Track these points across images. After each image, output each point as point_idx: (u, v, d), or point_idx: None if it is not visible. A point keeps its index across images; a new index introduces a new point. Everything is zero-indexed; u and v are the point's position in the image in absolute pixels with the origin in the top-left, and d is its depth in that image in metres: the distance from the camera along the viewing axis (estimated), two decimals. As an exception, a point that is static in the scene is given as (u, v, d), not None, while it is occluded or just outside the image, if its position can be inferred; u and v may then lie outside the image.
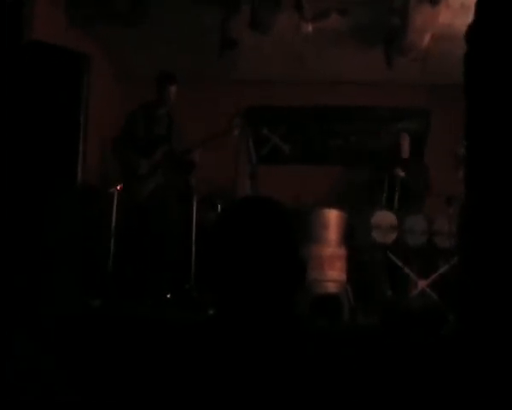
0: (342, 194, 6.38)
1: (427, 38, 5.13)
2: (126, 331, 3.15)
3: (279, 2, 4.97)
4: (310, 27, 5.12)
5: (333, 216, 4.88)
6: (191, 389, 1.16)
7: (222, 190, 5.50)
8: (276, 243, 1.23)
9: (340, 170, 6.83)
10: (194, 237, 4.80)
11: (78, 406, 1.40)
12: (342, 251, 4.84)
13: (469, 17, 2.25)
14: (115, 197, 4.51)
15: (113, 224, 4.48)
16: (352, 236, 5.03)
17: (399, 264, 5.19)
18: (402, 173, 5.46)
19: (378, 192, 5.59)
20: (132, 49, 6.05)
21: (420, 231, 5.09)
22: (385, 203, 5.48)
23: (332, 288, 4.63)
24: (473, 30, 2.22)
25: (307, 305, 4.19)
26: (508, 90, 2.03)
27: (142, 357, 1.28)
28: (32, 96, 3.44)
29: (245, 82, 6.52)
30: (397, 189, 5.46)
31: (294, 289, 1.25)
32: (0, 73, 3.19)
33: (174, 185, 4.96)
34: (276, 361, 1.17)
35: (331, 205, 5.12)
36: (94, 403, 1.38)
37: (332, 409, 1.15)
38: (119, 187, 4.54)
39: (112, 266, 4.39)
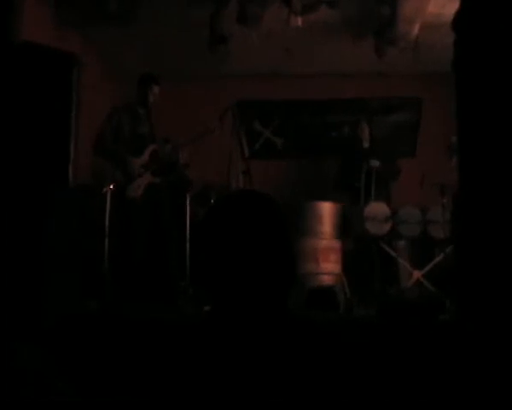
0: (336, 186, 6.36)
1: (416, 28, 5.13)
2: (124, 331, 3.14)
3: (267, -4, 4.95)
4: (299, 20, 5.10)
5: (327, 209, 4.89)
6: (189, 388, 1.16)
7: (216, 186, 5.48)
8: (267, 236, 1.23)
9: (333, 162, 6.83)
10: (188, 234, 4.79)
11: (77, 406, 1.39)
12: (337, 243, 4.84)
13: (457, 6, 2.26)
14: (108, 197, 4.48)
15: (107, 223, 4.46)
16: (346, 228, 5.03)
17: (394, 255, 5.19)
18: (377, 163, 5.44)
19: (348, 182, 5.60)
20: (122, 48, 6.02)
21: (414, 222, 5.10)
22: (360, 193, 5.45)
23: (327, 280, 4.64)
24: (459, 18, 2.22)
25: (303, 298, 4.19)
26: (496, 77, 2.03)
27: (140, 357, 1.27)
28: (22, 96, 3.42)
29: (236, 77, 6.50)
30: (362, 178, 5.42)
31: (286, 282, 1.25)
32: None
33: (168, 182, 4.94)
34: (272, 355, 1.17)
35: (325, 197, 5.13)
36: (93, 403, 1.38)
37: (329, 401, 1.15)
38: (112, 186, 4.52)
39: (107, 266, 4.37)
